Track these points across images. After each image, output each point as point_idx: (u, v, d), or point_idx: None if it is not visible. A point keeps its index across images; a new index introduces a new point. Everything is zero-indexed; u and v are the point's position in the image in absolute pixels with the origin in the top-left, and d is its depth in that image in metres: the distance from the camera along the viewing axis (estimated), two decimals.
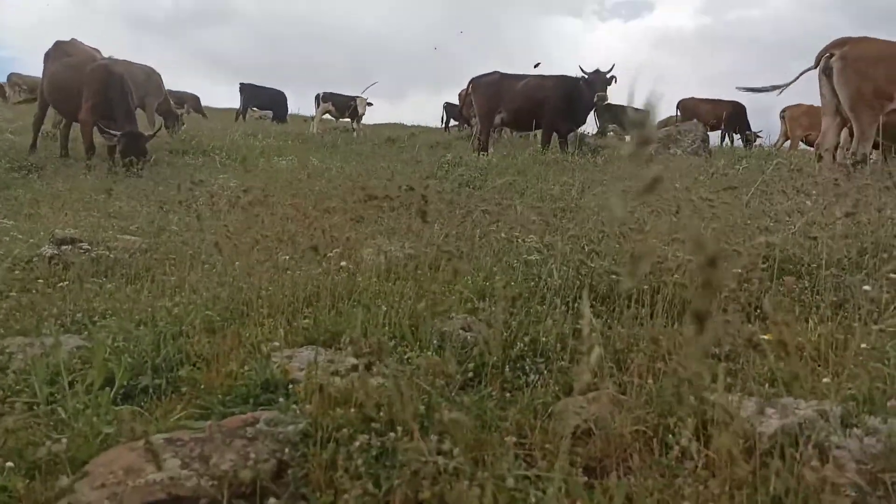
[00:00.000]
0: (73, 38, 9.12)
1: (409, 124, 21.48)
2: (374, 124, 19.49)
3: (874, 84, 7.35)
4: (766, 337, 1.93)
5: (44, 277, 3.42)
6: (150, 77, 10.48)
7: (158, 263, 3.75)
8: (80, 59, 8.52)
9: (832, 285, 2.99)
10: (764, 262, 3.22)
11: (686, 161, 10.48)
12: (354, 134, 14.81)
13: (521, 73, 10.96)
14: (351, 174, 7.25)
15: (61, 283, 3.37)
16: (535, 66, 10.53)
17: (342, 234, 4.17)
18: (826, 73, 7.66)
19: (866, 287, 1.96)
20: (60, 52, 8.73)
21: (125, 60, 9.52)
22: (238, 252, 3.70)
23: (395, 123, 21.55)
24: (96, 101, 7.96)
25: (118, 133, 7.79)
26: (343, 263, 2.84)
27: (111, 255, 3.74)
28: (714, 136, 17.26)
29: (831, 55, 7.55)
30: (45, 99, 8.79)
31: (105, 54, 9.41)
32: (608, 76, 10.12)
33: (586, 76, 10.06)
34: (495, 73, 10.84)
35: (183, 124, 12.06)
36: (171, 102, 11.69)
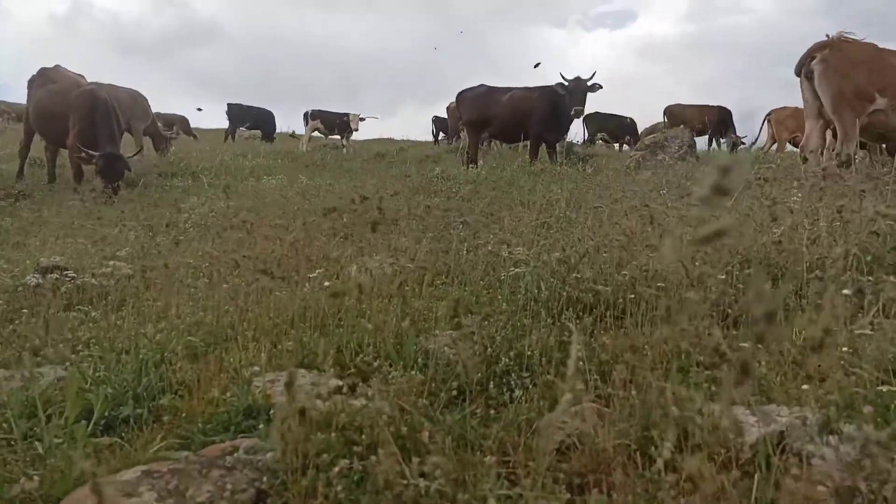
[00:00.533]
0: (57, 65, 9.12)
1: (398, 139, 21.54)
2: (364, 139, 19.56)
3: (855, 85, 7.43)
4: (745, 345, 1.93)
5: (28, 307, 3.40)
6: (136, 100, 10.48)
7: (144, 289, 3.73)
8: (65, 85, 8.52)
9: (816, 288, 3.01)
10: (747, 267, 3.24)
11: (673, 167, 10.56)
12: (344, 150, 14.83)
13: (507, 85, 11.03)
14: (340, 192, 7.25)
15: (48, 312, 3.35)
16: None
17: (328, 254, 4.17)
18: (807, 76, 7.74)
19: (846, 291, 1.97)
20: (45, 79, 8.72)
21: (110, 84, 9.51)
22: (223, 275, 3.70)
23: (384, 138, 21.60)
24: (83, 127, 7.96)
25: (96, 154, 7.79)
26: (327, 284, 2.83)
27: (96, 283, 3.72)
28: (701, 141, 17.40)
29: (812, 58, 7.64)
30: (31, 126, 8.77)
31: (90, 79, 9.41)
32: (590, 83, 10.19)
33: (566, 84, 10.11)
34: (481, 86, 10.90)
35: (171, 147, 12.04)
36: (159, 125, 11.67)
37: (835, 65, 7.51)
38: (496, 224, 5.27)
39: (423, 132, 22.19)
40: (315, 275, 2.87)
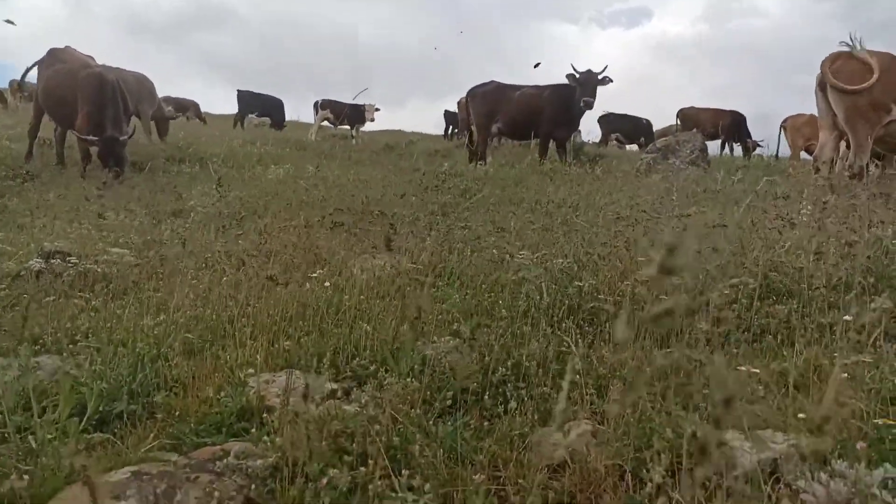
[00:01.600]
0: (67, 46, 9.13)
1: (408, 131, 21.50)
2: (374, 131, 19.50)
3: (870, 96, 7.34)
4: (745, 368, 1.91)
5: (30, 293, 3.41)
6: (143, 84, 10.47)
7: (146, 278, 3.74)
8: (74, 66, 8.52)
9: (820, 306, 2.98)
10: (752, 282, 3.21)
11: (684, 172, 10.51)
12: (353, 141, 14.81)
13: (517, 82, 10.98)
14: (345, 185, 7.24)
15: (47, 299, 3.36)
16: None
17: (332, 249, 4.17)
18: (822, 87, 7.66)
19: (847, 317, 1.95)
20: (55, 59, 8.72)
21: (117, 67, 9.51)
22: (226, 271, 3.70)
23: (394, 130, 21.56)
24: (91, 110, 7.97)
25: (95, 138, 7.81)
26: (327, 284, 2.82)
27: (99, 269, 3.72)
28: (714, 145, 17.32)
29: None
30: (40, 106, 8.79)
31: (100, 61, 9.42)
32: (601, 77, 10.13)
33: (577, 76, 10.06)
34: (492, 82, 10.85)
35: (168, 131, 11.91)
36: (169, 109, 11.65)
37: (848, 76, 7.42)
38: (501, 224, 5.26)
39: (432, 125, 22.04)
40: (317, 274, 2.86)
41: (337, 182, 8.64)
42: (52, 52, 8.87)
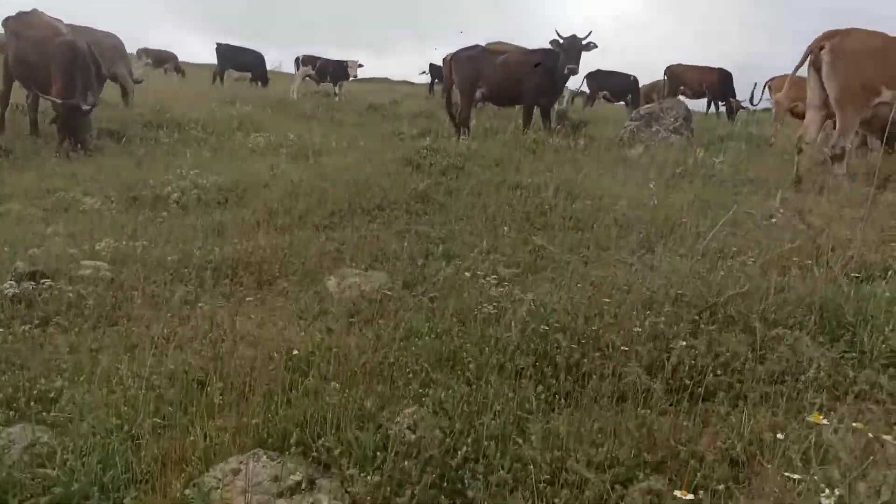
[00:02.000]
0: (34, 9, 8.80)
1: (395, 80, 21.07)
2: (359, 81, 19.05)
3: (863, 77, 7.26)
4: (682, 496, 2.00)
5: (4, 323, 3.44)
6: (116, 47, 10.15)
7: (122, 301, 3.77)
8: (47, 33, 8.25)
9: (777, 349, 3.08)
10: (711, 320, 3.30)
11: (667, 142, 10.47)
12: (336, 98, 14.51)
13: (499, 39, 10.76)
14: (327, 173, 7.17)
15: (23, 327, 3.40)
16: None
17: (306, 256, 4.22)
18: (816, 66, 7.55)
19: (780, 436, 2.04)
20: (22, 24, 8.42)
21: (87, 28, 9.18)
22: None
23: (380, 79, 21.11)
24: (65, 81, 7.79)
25: (60, 100, 7.67)
26: (295, 352, 2.88)
27: (72, 294, 3.72)
28: (701, 104, 17.17)
29: (821, 48, 7.43)
30: (11, 73, 8.53)
31: (69, 19, 9.10)
32: (585, 42, 9.97)
33: (561, 41, 9.87)
34: (476, 46, 10.60)
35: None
36: (130, 71, 11.23)
37: (843, 56, 7.31)
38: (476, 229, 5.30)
39: (419, 72, 21.52)
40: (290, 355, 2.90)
41: (318, 150, 8.59)
42: (20, 17, 8.56)
